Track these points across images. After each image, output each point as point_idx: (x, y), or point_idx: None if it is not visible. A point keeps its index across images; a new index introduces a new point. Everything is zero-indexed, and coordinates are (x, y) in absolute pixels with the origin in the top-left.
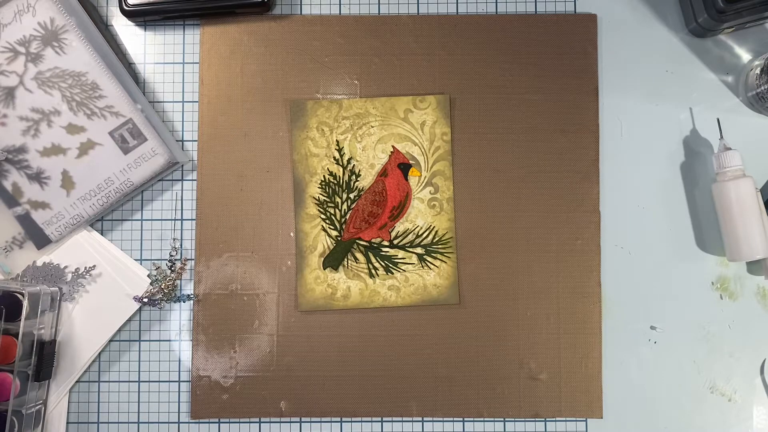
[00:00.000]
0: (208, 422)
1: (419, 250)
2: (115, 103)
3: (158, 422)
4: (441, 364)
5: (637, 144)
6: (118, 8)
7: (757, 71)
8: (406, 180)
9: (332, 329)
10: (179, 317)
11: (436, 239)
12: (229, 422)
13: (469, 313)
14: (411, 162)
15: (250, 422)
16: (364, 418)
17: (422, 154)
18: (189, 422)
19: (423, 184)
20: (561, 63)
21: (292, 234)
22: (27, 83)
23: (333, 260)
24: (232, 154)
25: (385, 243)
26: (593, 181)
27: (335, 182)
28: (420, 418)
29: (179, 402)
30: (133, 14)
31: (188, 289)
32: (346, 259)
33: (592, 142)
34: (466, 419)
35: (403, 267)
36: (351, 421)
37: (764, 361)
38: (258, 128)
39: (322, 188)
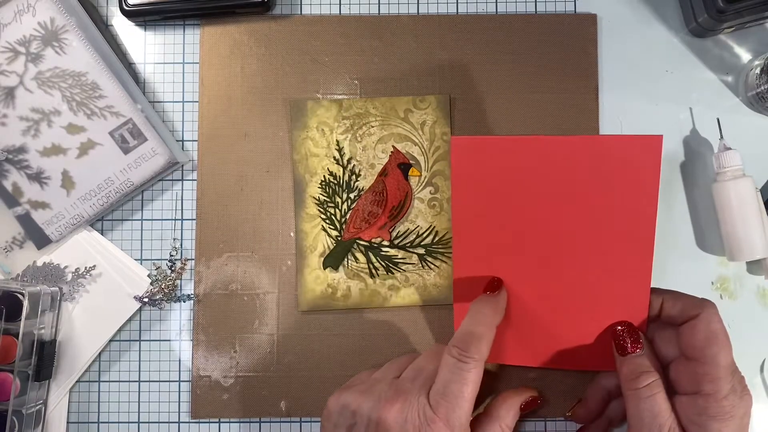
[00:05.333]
0: (208, 422)
1: (420, 251)
2: (115, 103)
3: (158, 422)
4: None
5: None
6: (118, 8)
7: (757, 71)
8: (407, 180)
9: (332, 329)
10: (179, 317)
11: (437, 239)
12: (229, 422)
13: None
14: (411, 162)
15: (250, 422)
16: None
17: (422, 153)
18: (189, 422)
19: (423, 184)
20: (561, 63)
21: (292, 234)
22: (27, 83)
23: (333, 260)
24: (232, 154)
25: (386, 243)
26: None
27: (335, 182)
28: None
29: (179, 402)
30: (132, 14)
31: (188, 289)
32: (346, 259)
33: None
34: None
35: (404, 267)
36: None
37: (764, 360)
38: (258, 128)
39: (322, 188)
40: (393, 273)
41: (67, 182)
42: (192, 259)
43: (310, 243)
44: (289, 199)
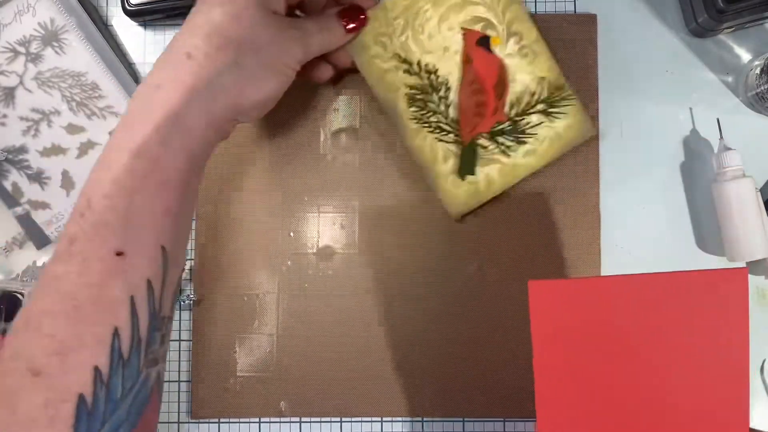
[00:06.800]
0: (208, 422)
1: (541, 107)
2: (115, 103)
3: (158, 422)
4: (442, 364)
5: (637, 144)
6: (120, 8)
7: (757, 71)
8: (491, 53)
9: (333, 329)
10: (179, 317)
11: (549, 87)
12: (229, 422)
13: (469, 313)
14: (487, 33)
15: (249, 422)
16: (364, 418)
17: (489, 10)
18: (189, 422)
19: (505, 41)
20: (561, 63)
21: (291, 234)
22: (27, 83)
23: (467, 167)
24: (231, 153)
25: (505, 123)
26: (593, 181)
27: (418, 89)
28: (420, 418)
29: (179, 402)
30: (135, 14)
31: (188, 289)
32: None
33: (592, 142)
34: (466, 419)
35: (531, 130)
36: (351, 421)
37: (764, 361)
38: (257, 128)
39: (411, 101)
40: (525, 142)
41: (67, 182)
42: (192, 260)
43: (428, 154)
44: (289, 199)
